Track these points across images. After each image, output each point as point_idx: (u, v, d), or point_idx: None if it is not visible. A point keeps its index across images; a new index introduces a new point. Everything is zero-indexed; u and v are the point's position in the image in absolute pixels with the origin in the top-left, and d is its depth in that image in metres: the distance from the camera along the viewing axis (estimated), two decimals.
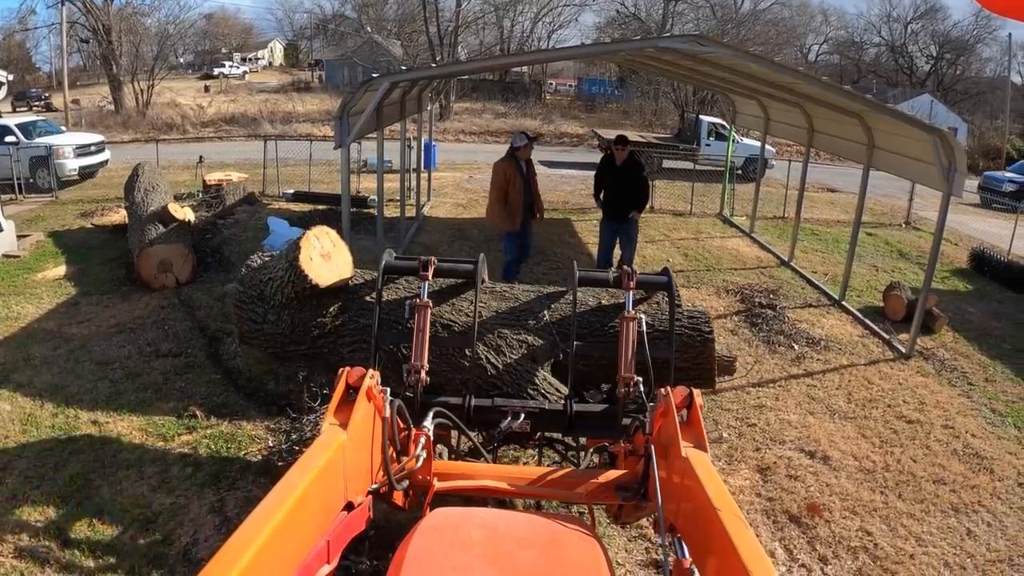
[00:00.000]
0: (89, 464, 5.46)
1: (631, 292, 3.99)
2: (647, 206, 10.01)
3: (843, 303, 10.24)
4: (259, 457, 5.55)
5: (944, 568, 5.00)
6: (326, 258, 4.43)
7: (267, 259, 4.82)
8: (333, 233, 4.58)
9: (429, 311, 3.85)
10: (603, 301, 4.68)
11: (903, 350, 8.62)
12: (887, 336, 9.06)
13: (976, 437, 6.88)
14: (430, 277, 4.02)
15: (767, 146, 23.02)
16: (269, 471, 5.34)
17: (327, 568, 2.20)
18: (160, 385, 6.72)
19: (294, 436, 5.61)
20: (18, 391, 6.55)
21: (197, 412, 6.12)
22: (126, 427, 5.98)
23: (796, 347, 8.47)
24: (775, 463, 6.04)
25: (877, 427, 6.84)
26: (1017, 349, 9.28)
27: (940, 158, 7.99)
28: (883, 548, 5.12)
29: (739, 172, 21.44)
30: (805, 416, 6.93)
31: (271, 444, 5.69)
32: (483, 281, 4.44)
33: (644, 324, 3.83)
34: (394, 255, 4.21)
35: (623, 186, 9.70)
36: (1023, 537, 5.40)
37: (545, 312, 4.63)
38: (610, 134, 22.29)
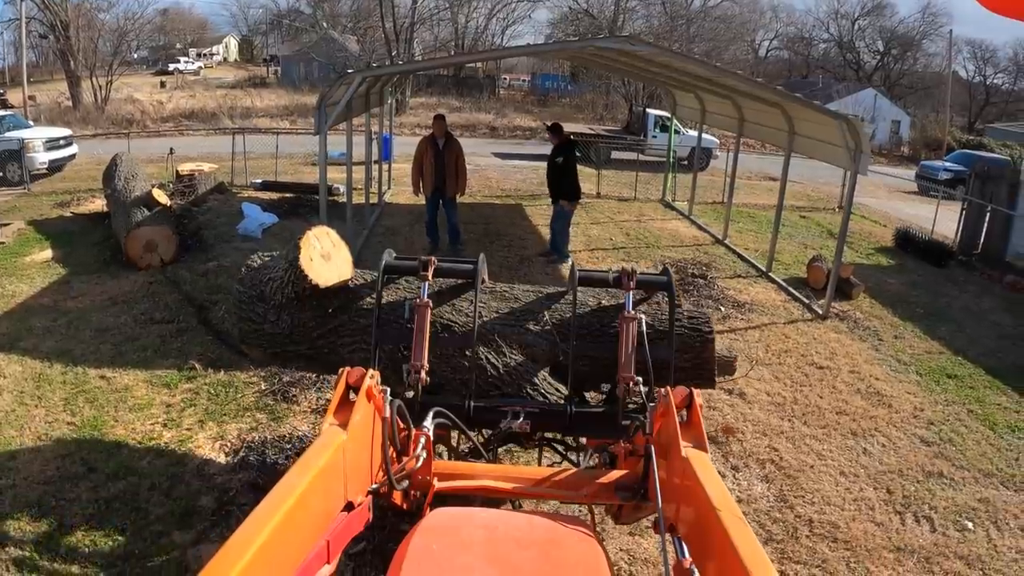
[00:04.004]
0: (102, 409, 6.24)
1: (631, 292, 4.00)
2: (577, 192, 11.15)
3: (770, 274, 11.35)
4: (254, 398, 6.41)
5: (840, 476, 6.04)
6: (326, 258, 4.40)
7: (267, 259, 4.85)
8: (333, 233, 4.57)
9: (429, 311, 3.88)
10: (603, 301, 4.62)
11: (820, 312, 9.72)
12: (807, 301, 10.16)
13: (879, 380, 7.97)
14: (430, 277, 4.02)
15: (712, 137, 24.29)
16: (263, 408, 6.22)
17: (327, 568, 2.21)
18: (158, 346, 7.51)
19: (286, 379, 6.47)
20: (26, 355, 7.23)
21: (196, 365, 6.95)
22: (132, 380, 6.76)
23: (723, 309, 9.52)
24: None
25: (790, 371, 7.91)
26: (929, 313, 10.44)
27: (847, 141, 9.08)
28: (787, 460, 6.15)
29: (684, 163, 22.54)
30: None
31: (264, 388, 6.57)
32: (483, 281, 4.43)
33: (644, 324, 3.85)
34: (394, 255, 4.21)
35: (553, 170, 10.98)
36: (913, 456, 6.46)
37: (545, 312, 4.58)
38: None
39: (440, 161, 10.79)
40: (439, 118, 11.19)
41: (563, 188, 10.92)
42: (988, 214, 14.21)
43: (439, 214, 11.33)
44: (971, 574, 5.01)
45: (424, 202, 11.42)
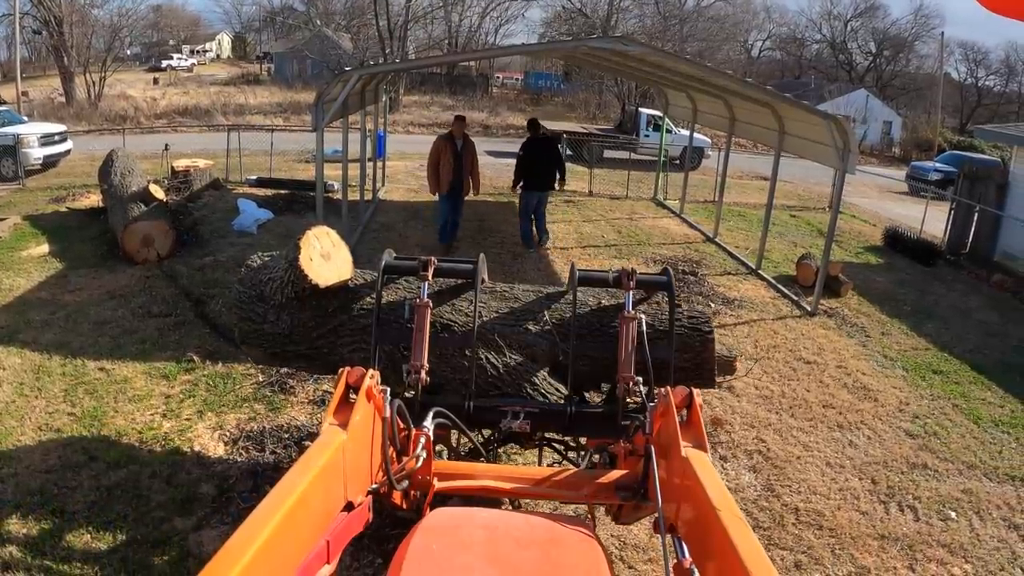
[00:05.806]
0: (102, 400, 6.32)
1: (631, 292, 4.00)
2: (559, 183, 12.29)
3: (759, 272, 11.51)
4: (252, 389, 6.52)
5: (826, 467, 6.17)
6: (326, 258, 4.40)
7: (267, 259, 4.83)
8: (333, 233, 4.56)
9: (429, 311, 3.88)
10: (603, 301, 4.62)
11: (809, 309, 9.86)
12: (796, 298, 10.31)
13: (866, 375, 8.11)
14: (430, 277, 4.01)
15: (704, 137, 24.50)
16: (261, 399, 6.32)
17: (327, 568, 2.22)
18: (156, 339, 7.60)
19: (283, 370, 6.57)
20: (25, 348, 7.30)
21: (194, 357, 7.04)
22: (131, 371, 6.85)
23: (712, 305, 9.66)
24: None
25: (778, 366, 8.05)
26: (916, 311, 10.60)
27: (836, 141, 9.23)
28: (774, 451, 6.28)
29: (677, 162, 22.74)
30: None
31: (261, 379, 6.67)
32: (483, 281, 4.41)
33: (644, 324, 3.86)
34: (394, 255, 4.20)
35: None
36: (898, 448, 6.60)
37: (545, 312, 4.57)
38: (554, 126, 23.63)
39: (459, 161, 10.90)
40: (460, 119, 11.36)
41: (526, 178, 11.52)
42: (976, 214, 14.39)
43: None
44: (953, 561, 5.14)
45: (429, 199, 11.54)
